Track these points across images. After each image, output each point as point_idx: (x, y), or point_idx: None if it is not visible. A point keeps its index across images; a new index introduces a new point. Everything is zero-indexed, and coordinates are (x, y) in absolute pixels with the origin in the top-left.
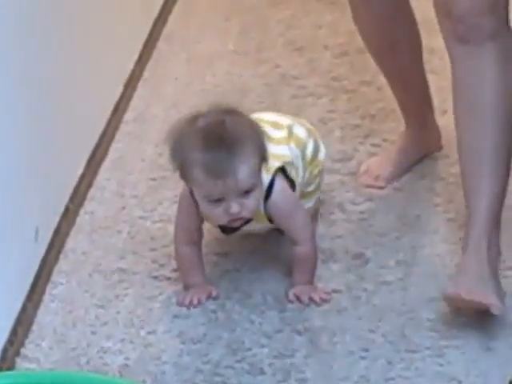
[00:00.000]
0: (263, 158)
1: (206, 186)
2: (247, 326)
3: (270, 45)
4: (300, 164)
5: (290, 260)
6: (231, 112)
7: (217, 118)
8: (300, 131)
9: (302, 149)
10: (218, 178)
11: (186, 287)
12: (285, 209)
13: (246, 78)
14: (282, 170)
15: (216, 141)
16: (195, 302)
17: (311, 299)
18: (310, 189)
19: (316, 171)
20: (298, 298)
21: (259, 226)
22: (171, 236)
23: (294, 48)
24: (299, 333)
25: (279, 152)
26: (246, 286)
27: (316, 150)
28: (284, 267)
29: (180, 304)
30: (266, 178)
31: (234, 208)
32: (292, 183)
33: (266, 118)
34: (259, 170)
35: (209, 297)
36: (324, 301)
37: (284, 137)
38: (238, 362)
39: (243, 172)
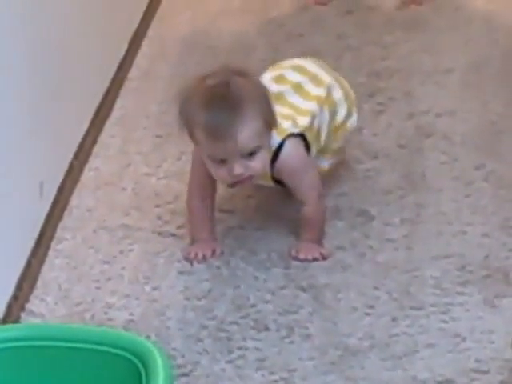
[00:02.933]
0: (267, 121)
1: (207, 147)
2: (252, 282)
3: (276, 3)
4: (325, 129)
5: (294, 218)
6: (239, 73)
7: (223, 79)
8: (337, 94)
9: (333, 113)
10: (217, 139)
11: (193, 242)
12: (292, 169)
13: (251, 36)
14: (297, 135)
15: (218, 102)
16: (200, 256)
17: (313, 257)
18: (334, 146)
19: (342, 135)
20: (298, 256)
21: (263, 181)
22: (176, 192)
23: (299, 6)
24: (303, 289)
25: (307, 107)
26: (251, 243)
27: (348, 117)
28: (288, 225)
29: (185, 258)
30: (276, 139)
31: (237, 169)
32: (307, 147)
33: (308, 69)
34: (264, 133)
35: (213, 253)
36: (324, 258)
37: (320, 96)
38: (243, 318)
39: (244, 135)
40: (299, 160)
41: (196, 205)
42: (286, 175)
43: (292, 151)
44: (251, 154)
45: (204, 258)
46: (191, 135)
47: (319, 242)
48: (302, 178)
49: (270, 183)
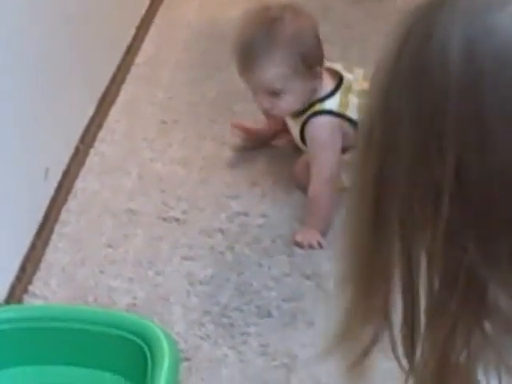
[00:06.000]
0: (298, 70)
1: (239, 73)
2: (256, 269)
3: None
4: None
5: (299, 205)
6: (299, 15)
7: (275, 15)
8: None
9: None
10: (244, 69)
11: None
12: (314, 138)
13: None
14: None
15: (257, 33)
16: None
17: (309, 244)
18: None
19: None
20: (295, 238)
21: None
22: (181, 178)
23: None
24: (307, 277)
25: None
26: (255, 230)
27: None
28: (293, 212)
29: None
30: (328, 104)
31: (264, 104)
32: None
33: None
34: (291, 80)
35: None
36: (321, 246)
37: None
38: (246, 304)
39: (266, 73)
40: (321, 134)
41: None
42: (308, 139)
43: (322, 125)
44: (277, 94)
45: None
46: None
47: (321, 230)
48: (319, 152)
49: (297, 136)
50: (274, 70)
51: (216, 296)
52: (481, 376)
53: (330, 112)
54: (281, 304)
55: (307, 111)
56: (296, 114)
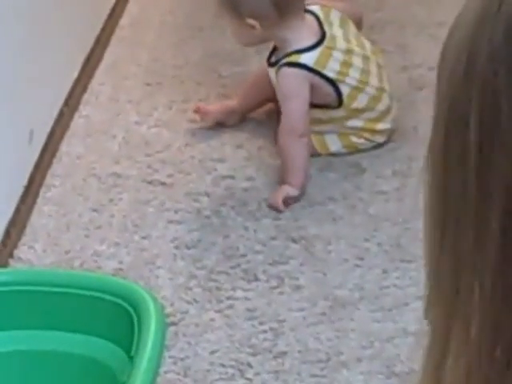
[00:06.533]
0: (226, 8)
1: None
2: (242, 232)
3: None
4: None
5: None
6: None
7: None
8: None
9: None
10: None
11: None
12: (281, 86)
13: None
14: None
15: None
16: (201, 111)
17: (275, 207)
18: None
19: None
20: (270, 204)
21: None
22: (166, 141)
23: None
24: (294, 240)
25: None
26: (241, 193)
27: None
28: (279, 175)
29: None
30: (305, 58)
31: None
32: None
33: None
34: (224, 14)
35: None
36: (277, 209)
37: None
38: (233, 267)
39: None
40: (288, 84)
41: (257, 72)
42: (277, 87)
43: (290, 75)
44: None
45: (205, 113)
46: None
47: (294, 184)
48: (286, 101)
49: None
50: None
51: (202, 260)
52: None
53: (303, 66)
54: (267, 268)
55: (282, 60)
56: (273, 63)
